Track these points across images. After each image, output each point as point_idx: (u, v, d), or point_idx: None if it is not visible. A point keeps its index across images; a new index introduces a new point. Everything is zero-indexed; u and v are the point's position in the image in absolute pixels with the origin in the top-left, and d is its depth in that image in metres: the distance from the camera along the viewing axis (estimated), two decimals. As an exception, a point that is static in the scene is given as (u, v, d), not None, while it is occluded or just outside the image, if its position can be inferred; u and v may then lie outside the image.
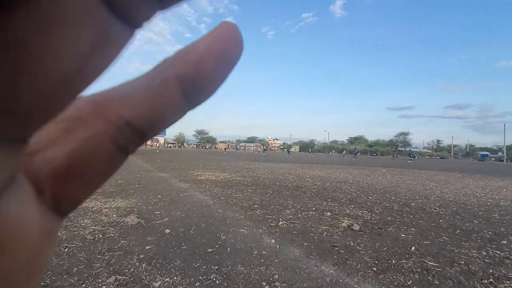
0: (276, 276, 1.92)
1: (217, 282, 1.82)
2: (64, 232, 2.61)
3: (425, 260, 2.29)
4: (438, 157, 68.37)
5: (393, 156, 42.60)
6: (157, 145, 39.69)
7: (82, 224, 2.86)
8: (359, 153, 45.43)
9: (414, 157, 36.01)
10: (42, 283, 1.70)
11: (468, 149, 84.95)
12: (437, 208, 4.40)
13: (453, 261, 2.30)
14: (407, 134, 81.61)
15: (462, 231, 3.16)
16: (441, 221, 3.60)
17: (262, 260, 2.18)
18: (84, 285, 1.70)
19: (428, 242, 2.76)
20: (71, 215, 3.24)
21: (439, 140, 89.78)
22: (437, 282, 1.93)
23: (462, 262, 2.28)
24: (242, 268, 2.03)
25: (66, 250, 2.21)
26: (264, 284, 1.82)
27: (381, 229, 3.12)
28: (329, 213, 3.72)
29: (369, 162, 23.94)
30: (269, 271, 2.00)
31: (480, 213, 4.19)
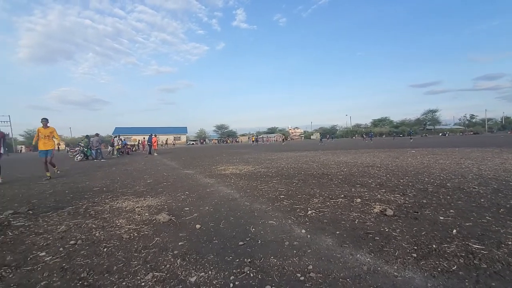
0: (311, 267, 1.88)
1: (252, 275, 1.81)
2: (102, 232, 2.73)
3: (469, 243, 2.14)
4: (471, 133, 64.34)
5: (393, 137, 43.88)
6: (173, 144, 40.05)
7: (118, 224, 2.98)
8: (373, 135, 50.74)
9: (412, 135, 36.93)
10: (85, 283, 1.78)
11: (503, 122, 79.03)
12: (476, 187, 4.13)
13: (500, 242, 2.13)
14: (435, 111, 77.04)
15: (507, 210, 2.94)
16: (482, 200, 3.37)
17: (295, 251, 2.14)
18: (124, 283, 1.76)
19: (471, 223, 2.58)
20: (106, 215, 3.39)
21: (472, 115, 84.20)
22: (485, 266, 1.80)
23: (510, 243, 2.11)
24: (275, 260, 2.00)
25: (105, 249, 2.31)
26: (299, 275, 1.78)
27: (417, 212, 2.97)
28: (359, 199, 3.60)
29: (396, 144, 23.03)
30: (302, 262, 1.96)
31: (526, 189, 3.88)
